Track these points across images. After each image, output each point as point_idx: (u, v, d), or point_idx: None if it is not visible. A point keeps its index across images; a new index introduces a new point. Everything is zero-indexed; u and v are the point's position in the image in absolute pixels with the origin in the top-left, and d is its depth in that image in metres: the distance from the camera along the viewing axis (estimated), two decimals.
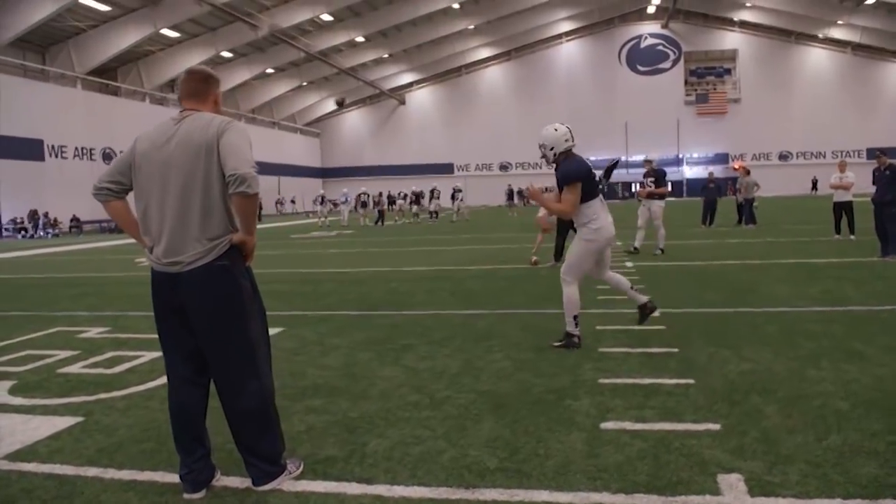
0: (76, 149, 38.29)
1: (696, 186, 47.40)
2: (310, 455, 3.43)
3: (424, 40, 54.38)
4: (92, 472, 3.37)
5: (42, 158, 36.11)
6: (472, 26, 53.95)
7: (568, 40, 62.42)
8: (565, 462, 3.17)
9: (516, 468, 3.13)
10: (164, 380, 5.00)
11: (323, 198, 35.39)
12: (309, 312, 7.77)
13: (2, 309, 9.21)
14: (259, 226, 22.60)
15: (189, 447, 3.08)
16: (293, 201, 58.34)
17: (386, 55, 55.93)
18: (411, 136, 65.58)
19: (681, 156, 61.00)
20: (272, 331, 6.66)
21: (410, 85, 65.22)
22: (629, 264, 11.01)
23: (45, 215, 34.94)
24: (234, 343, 3.05)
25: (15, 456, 3.63)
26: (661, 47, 61.14)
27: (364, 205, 33.51)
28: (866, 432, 3.39)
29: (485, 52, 61.35)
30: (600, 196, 5.45)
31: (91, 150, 39.48)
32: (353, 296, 8.98)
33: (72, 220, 36.41)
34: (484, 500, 2.83)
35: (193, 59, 43.80)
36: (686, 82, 61.75)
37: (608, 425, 3.63)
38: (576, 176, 5.28)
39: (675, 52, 60.94)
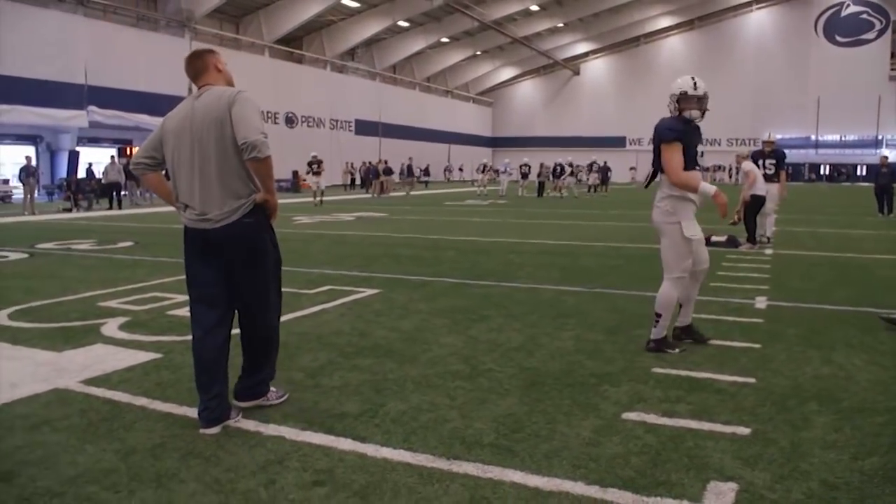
0: (262, 113, 40.84)
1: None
2: (328, 409, 3.57)
3: (601, 8, 52.71)
4: (141, 401, 3.73)
5: None
6: None
7: (759, 8, 57.96)
8: (560, 447, 3.07)
9: (508, 446, 3.08)
10: None
11: (484, 166, 35.75)
12: (414, 277, 7.96)
13: (158, 254, 10.24)
14: (421, 192, 23.82)
15: (207, 386, 3.36)
16: (461, 169, 59.30)
17: (561, 24, 54.87)
18: (584, 107, 64.20)
19: (880, 137, 55.05)
20: (370, 291, 7.02)
21: (585, 55, 63.70)
22: (769, 252, 10.24)
23: None
24: (251, 286, 3.48)
25: (90, 381, 4.09)
26: (865, 16, 55.06)
27: (524, 176, 33.46)
28: None
29: (665, 21, 58.48)
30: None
31: (276, 114, 42.27)
32: (466, 264, 9.07)
33: None
34: (457, 473, 2.82)
35: (372, 28, 45.49)
36: (893, 55, 55.29)
37: (630, 416, 3.46)
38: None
39: (881, 22, 54.65)
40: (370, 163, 38.91)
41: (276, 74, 41.59)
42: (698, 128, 4.68)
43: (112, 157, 25.61)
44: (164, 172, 3.62)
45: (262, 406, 3.62)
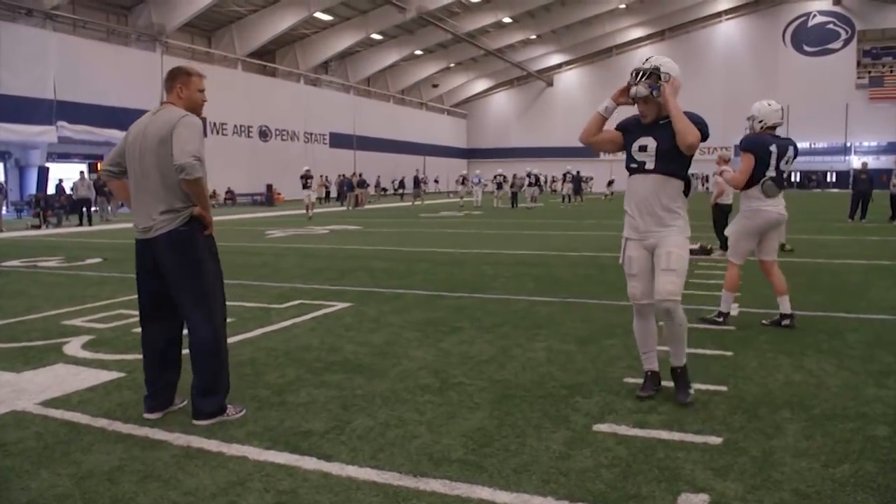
0: (235, 126, 40.88)
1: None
2: (293, 427, 3.49)
3: (574, 20, 53.18)
4: (101, 423, 3.62)
5: (204, 135, 38.78)
6: (623, 5, 52.16)
7: (728, 19, 58.94)
8: (530, 461, 3.02)
9: (477, 462, 3.02)
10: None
11: (464, 178, 35.86)
12: (386, 290, 7.88)
13: (126, 270, 10.04)
14: (395, 204, 23.75)
15: (151, 377, 3.74)
16: (436, 181, 59.34)
17: (533, 36, 55.28)
18: (558, 118, 64.60)
19: (848, 144, 56.03)
20: (341, 305, 6.93)
21: (559, 66, 64.25)
22: None
23: None
24: (191, 293, 3.63)
25: (49, 402, 3.97)
26: (831, 25, 56.20)
27: (499, 186, 33.54)
28: (888, 463, 2.98)
29: (637, 32, 59.20)
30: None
31: (249, 127, 42.05)
32: (439, 276, 9.02)
33: (227, 193, 39.05)
34: (423, 491, 2.75)
35: (345, 41, 45.49)
36: (859, 64, 56.43)
37: (601, 427, 3.41)
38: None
39: (847, 31, 55.83)
40: (345, 175, 38.79)
41: (250, 88, 41.38)
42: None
43: (82, 172, 25.22)
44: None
45: (223, 422, 3.54)
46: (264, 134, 43.23)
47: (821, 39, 56.49)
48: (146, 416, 3.66)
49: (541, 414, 3.62)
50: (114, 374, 4.55)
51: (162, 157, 3.51)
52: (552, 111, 65.40)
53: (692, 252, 10.84)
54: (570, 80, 65.20)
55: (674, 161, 3.76)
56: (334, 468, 2.98)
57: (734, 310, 6.25)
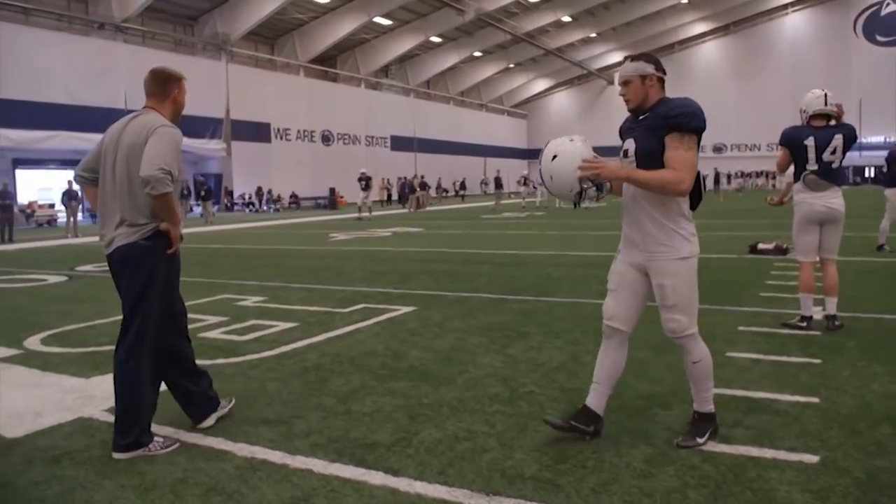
0: (298, 131, 41.56)
1: None
2: (359, 438, 3.37)
3: (634, 17, 52.22)
4: (166, 431, 3.57)
5: (269, 140, 39.66)
6: (685, 0, 50.97)
7: (794, 10, 56.88)
8: (610, 480, 2.82)
9: (552, 479, 2.84)
10: (279, 350, 5.28)
11: (525, 179, 35.49)
12: (449, 293, 7.75)
13: (194, 275, 10.18)
14: (457, 206, 23.71)
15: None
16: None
17: (594, 34, 54.54)
18: (619, 116, 62.34)
19: None
20: (404, 309, 6.82)
21: (619, 64, 62.86)
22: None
23: (269, 192, 38.44)
24: (131, 313, 3.36)
25: (112, 410, 3.94)
26: None
27: None
28: None
29: (700, 28, 57.74)
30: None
31: (311, 132, 42.69)
32: (502, 279, 8.84)
33: (291, 197, 39.70)
34: None
35: (405, 44, 45.73)
36: None
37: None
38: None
39: None
40: (406, 178, 38.94)
41: (312, 93, 42.01)
42: None
43: None
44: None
45: (288, 433, 3.45)
46: (327, 138, 43.81)
47: (895, 28, 53.99)
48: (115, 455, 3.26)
49: (618, 427, 3.42)
50: None
51: (132, 166, 3.29)
52: (613, 109, 64.15)
53: (766, 251, 10.43)
54: None
55: (656, 163, 3.06)
56: (402, 484, 2.84)
57: (818, 313, 5.88)
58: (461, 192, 48.53)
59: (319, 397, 4.07)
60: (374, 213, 26.23)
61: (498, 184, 34.47)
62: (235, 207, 37.37)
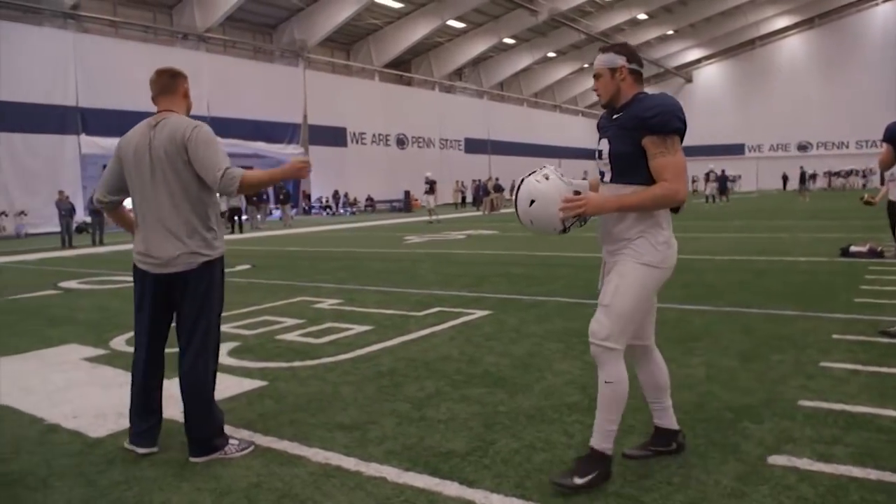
0: (374, 135, 42.08)
1: None
2: (434, 446, 3.29)
3: (713, 12, 50.69)
4: (242, 434, 3.58)
5: (345, 144, 40.30)
6: None
7: (884, 2, 54.05)
8: (698, 498, 2.65)
9: (636, 497, 2.69)
10: (354, 353, 5.27)
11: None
12: (525, 297, 7.62)
13: (273, 278, 10.38)
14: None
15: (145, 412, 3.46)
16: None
17: (670, 31, 53.26)
18: (698, 115, 61.52)
19: None
20: (480, 313, 6.74)
21: (698, 61, 61.56)
22: None
23: (345, 195, 39.07)
24: (196, 318, 3.39)
25: None
26: None
27: None
28: None
29: (782, 21, 55.59)
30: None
31: (386, 136, 43.16)
32: (581, 282, 8.64)
33: (367, 200, 40.23)
34: None
35: (478, 47, 45.70)
36: None
37: (778, 460, 2.98)
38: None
39: None
40: (480, 180, 38.89)
41: (387, 97, 42.46)
42: None
43: None
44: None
45: (363, 439, 3.41)
46: (401, 142, 44.20)
47: None
48: (141, 451, 3.34)
49: (705, 441, 3.24)
50: (257, 383, 4.57)
51: (169, 176, 3.24)
52: (692, 108, 62.43)
53: (859, 254, 9.85)
54: (711, 75, 62.24)
55: (630, 166, 2.79)
56: (478, 496, 2.75)
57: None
58: None
59: (394, 403, 4.02)
60: (445, 217, 26.25)
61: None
62: (313, 210, 38.12)
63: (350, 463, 3.14)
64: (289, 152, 36.31)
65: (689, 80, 63.21)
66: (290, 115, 36.06)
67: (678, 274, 9.37)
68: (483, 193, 33.96)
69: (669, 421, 3.10)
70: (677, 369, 4.45)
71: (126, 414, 3.91)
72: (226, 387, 4.47)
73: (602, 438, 2.82)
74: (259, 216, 26.93)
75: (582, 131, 65.15)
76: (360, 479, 2.97)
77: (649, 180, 2.78)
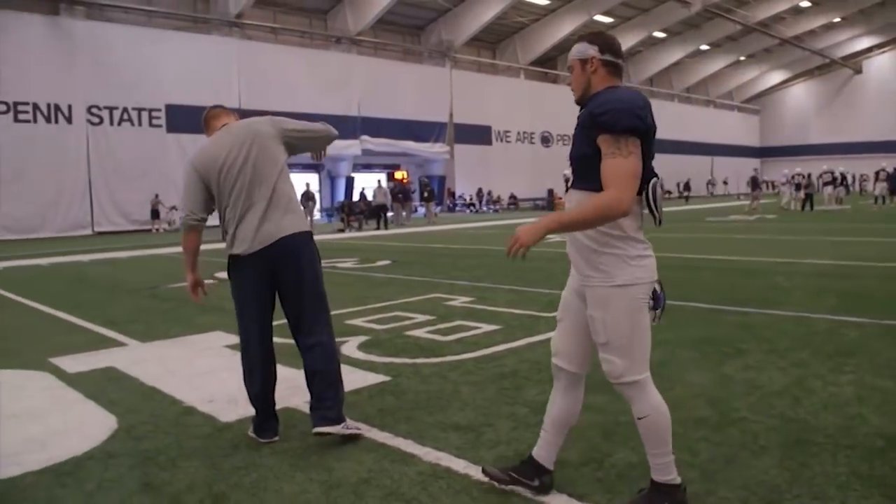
0: (518, 133, 42.10)
1: None
2: None
3: None
4: (362, 429, 3.64)
5: (490, 143, 40.61)
6: None
7: None
8: None
9: None
10: (479, 352, 5.25)
11: (754, 180, 32.78)
12: None
13: (412, 273, 10.60)
14: (679, 208, 22.74)
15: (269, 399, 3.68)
16: (725, 182, 55.59)
17: (837, 18, 49.34)
18: (869, 108, 56.98)
19: None
20: None
21: (868, 50, 56.64)
22: None
23: (489, 193, 39.32)
24: (318, 296, 3.70)
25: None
26: None
27: (798, 187, 30.18)
28: None
29: None
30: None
31: (531, 133, 43.06)
32: (722, 287, 8.18)
33: (510, 198, 40.26)
34: None
35: (627, 41, 44.42)
36: None
37: None
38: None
39: None
40: None
41: (532, 95, 42.36)
42: None
43: (378, 181, 27.57)
44: None
45: (476, 441, 3.38)
46: (546, 139, 43.92)
47: None
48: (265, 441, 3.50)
49: (848, 470, 2.92)
50: (380, 378, 4.65)
51: (278, 164, 3.57)
52: (860, 101, 57.81)
53: None
54: (884, 65, 57.05)
55: (590, 169, 2.44)
56: None
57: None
58: (685, 194, 46.23)
59: (512, 406, 3.96)
60: None
61: (755, 183, 31.03)
62: (457, 208, 38.69)
63: (460, 465, 3.11)
64: (435, 150, 37.09)
65: (859, 71, 58.34)
66: (437, 114, 36.78)
67: (832, 280, 8.69)
68: None
69: (548, 457, 2.81)
70: (822, 387, 4.09)
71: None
72: (350, 381, 4.56)
73: (658, 471, 2.59)
74: (404, 213, 27.64)
75: (737, 127, 62.00)
76: (467, 482, 2.93)
77: None
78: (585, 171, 2.49)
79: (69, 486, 3.06)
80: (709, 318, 6.36)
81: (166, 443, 3.53)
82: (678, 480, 2.59)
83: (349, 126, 32.78)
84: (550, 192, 39.72)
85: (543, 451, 2.81)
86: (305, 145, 3.78)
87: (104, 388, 4.65)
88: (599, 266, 2.50)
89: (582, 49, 2.57)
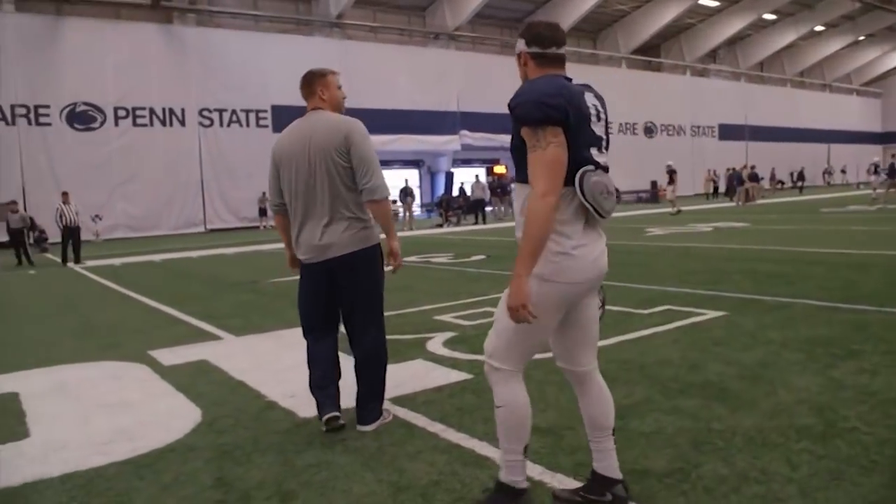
0: (620, 124, 41.04)
1: None
2: (629, 462, 2.99)
3: None
4: (436, 427, 3.58)
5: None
6: None
7: None
8: None
9: None
10: None
11: (877, 167, 30.64)
12: (768, 298, 6.83)
13: (504, 268, 10.46)
14: (793, 198, 21.70)
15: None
16: (843, 171, 52.29)
17: None
18: None
19: None
20: (712, 314, 6.22)
21: None
22: None
23: None
24: (371, 303, 3.71)
25: (398, 399, 4.08)
26: None
27: None
28: None
29: None
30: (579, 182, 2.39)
31: (633, 125, 41.90)
32: (836, 283, 7.58)
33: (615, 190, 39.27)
34: None
35: (734, 25, 42.61)
36: None
37: None
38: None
39: None
40: (734, 168, 36.20)
41: (634, 85, 41.19)
42: None
43: (476, 175, 27.50)
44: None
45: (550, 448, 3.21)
46: (649, 130, 42.66)
47: None
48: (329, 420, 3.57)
49: None
50: (463, 375, 4.54)
51: (339, 166, 3.43)
52: None
53: None
54: None
55: (525, 162, 2.34)
56: None
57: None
58: (799, 184, 43.76)
59: None
60: (694, 208, 24.78)
61: (893, 171, 28.49)
62: None
63: (535, 471, 2.96)
64: None
65: None
66: None
67: None
68: (737, 183, 31.49)
69: (608, 466, 2.58)
70: None
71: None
72: (432, 378, 4.52)
73: (508, 470, 2.51)
74: (502, 207, 27.47)
75: (856, 112, 58.27)
76: (539, 490, 2.77)
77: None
78: (521, 163, 2.40)
79: (147, 478, 3.11)
80: (819, 316, 5.89)
81: (245, 437, 3.56)
82: (524, 485, 2.52)
83: (448, 121, 32.91)
84: (653, 184, 38.49)
85: (600, 462, 2.64)
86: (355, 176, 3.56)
87: (195, 380, 4.78)
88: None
89: (518, 45, 2.52)
